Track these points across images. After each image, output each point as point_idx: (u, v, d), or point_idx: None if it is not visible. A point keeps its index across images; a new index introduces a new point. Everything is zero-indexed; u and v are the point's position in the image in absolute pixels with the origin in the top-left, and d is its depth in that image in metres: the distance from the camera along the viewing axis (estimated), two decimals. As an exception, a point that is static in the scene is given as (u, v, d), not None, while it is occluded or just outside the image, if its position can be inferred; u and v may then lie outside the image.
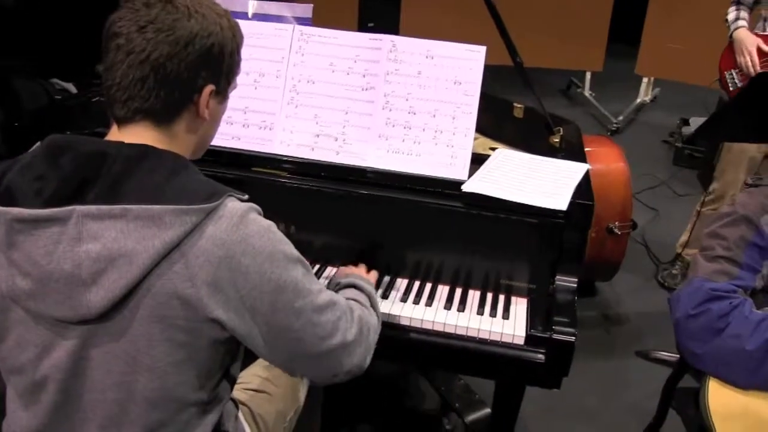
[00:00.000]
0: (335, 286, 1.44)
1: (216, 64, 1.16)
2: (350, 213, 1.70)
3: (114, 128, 1.15)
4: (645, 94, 5.51)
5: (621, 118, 5.13)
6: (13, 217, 1.04)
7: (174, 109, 1.14)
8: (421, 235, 1.68)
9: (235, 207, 1.08)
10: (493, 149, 1.87)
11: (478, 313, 1.63)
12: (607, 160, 2.90)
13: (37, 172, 1.07)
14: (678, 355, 1.71)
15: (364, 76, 1.73)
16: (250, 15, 1.92)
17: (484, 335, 1.59)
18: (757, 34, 2.92)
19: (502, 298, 1.68)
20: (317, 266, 1.76)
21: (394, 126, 1.71)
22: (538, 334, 1.56)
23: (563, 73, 5.57)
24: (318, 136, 1.73)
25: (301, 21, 1.88)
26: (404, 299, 1.66)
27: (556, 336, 1.54)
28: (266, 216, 1.14)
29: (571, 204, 1.56)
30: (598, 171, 2.53)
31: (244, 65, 1.25)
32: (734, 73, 2.97)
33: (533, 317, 1.62)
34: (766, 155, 2.95)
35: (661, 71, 5.05)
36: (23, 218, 1.04)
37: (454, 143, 1.68)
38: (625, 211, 2.85)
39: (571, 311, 1.57)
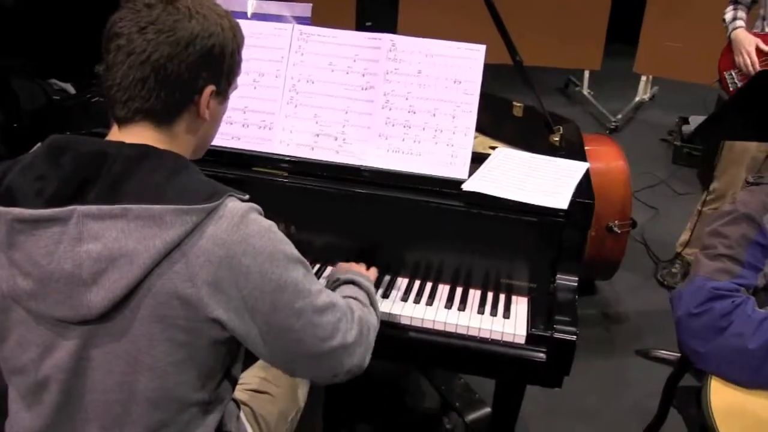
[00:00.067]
0: (334, 281, 1.44)
1: (217, 64, 1.15)
2: (350, 213, 1.69)
3: (114, 128, 1.15)
4: (643, 92, 5.51)
5: (619, 116, 5.13)
6: (14, 217, 1.04)
7: (174, 110, 1.14)
8: (421, 234, 1.68)
9: (235, 207, 1.08)
10: (493, 148, 1.87)
11: (478, 313, 1.63)
12: (607, 159, 2.90)
13: (37, 172, 1.07)
14: (678, 354, 1.71)
15: (363, 75, 1.72)
16: (249, 15, 1.91)
17: (485, 334, 1.59)
18: (755, 34, 2.92)
19: (502, 297, 1.68)
20: (318, 266, 1.76)
21: (394, 125, 1.71)
22: (539, 333, 1.56)
23: (561, 72, 5.56)
24: (318, 135, 1.73)
25: (301, 20, 1.88)
26: (405, 299, 1.66)
27: (557, 335, 1.54)
28: (266, 216, 1.14)
29: (572, 203, 1.57)
30: (598, 170, 2.52)
31: (243, 65, 1.25)
32: (734, 74, 2.97)
33: (534, 316, 1.62)
34: (768, 154, 2.95)
35: (659, 70, 5.04)
36: (24, 218, 1.04)
37: (454, 142, 1.68)
38: (625, 210, 2.85)
39: (572, 310, 1.57)
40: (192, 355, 1.10)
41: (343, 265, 1.58)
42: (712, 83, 3.17)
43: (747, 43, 2.88)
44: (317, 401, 1.76)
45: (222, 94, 1.20)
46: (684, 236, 3.22)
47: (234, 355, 1.20)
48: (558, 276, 1.62)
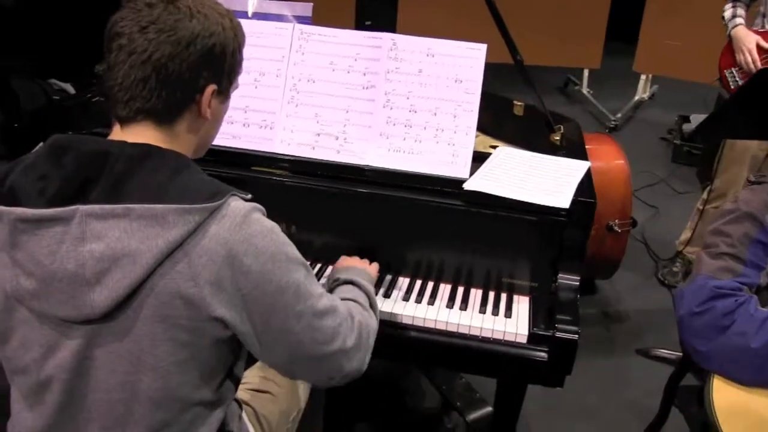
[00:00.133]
0: (334, 281, 1.44)
1: (218, 64, 1.15)
2: (352, 212, 1.69)
3: (116, 128, 1.15)
4: (643, 91, 5.51)
5: (619, 115, 5.13)
6: (17, 217, 1.04)
7: (176, 109, 1.14)
8: (423, 234, 1.68)
9: (238, 206, 1.08)
10: (494, 147, 1.87)
11: (480, 312, 1.63)
12: (607, 158, 2.90)
13: (40, 172, 1.07)
14: (679, 353, 1.71)
15: (364, 74, 1.72)
16: (250, 14, 1.91)
17: (487, 334, 1.58)
18: (755, 31, 2.91)
19: (504, 296, 1.68)
20: (318, 266, 1.76)
21: (395, 124, 1.71)
22: (541, 333, 1.56)
23: (560, 71, 5.56)
24: (319, 134, 1.73)
25: (301, 20, 1.88)
26: (406, 298, 1.66)
27: (558, 334, 1.54)
28: (267, 215, 1.14)
29: (573, 202, 1.57)
30: (598, 168, 2.51)
31: (244, 64, 1.25)
32: (735, 72, 2.96)
33: (535, 315, 1.62)
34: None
35: (658, 68, 5.05)
36: (27, 218, 1.04)
37: (455, 141, 1.68)
38: (625, 209, 2.85)
39: (574, 309, 1.57)
40: (195, 354, 1.10)
41: (343, 261, 1.57)
42: (712, 82, 3.17)
43: (747, 40, 2.88)
44: (318, 401, 1.76)
45: (223, 94, 1.20)
46: (685, 235, 3.22)
47: (236, 354, 1.20)
48: (559, 275, 1.61)
